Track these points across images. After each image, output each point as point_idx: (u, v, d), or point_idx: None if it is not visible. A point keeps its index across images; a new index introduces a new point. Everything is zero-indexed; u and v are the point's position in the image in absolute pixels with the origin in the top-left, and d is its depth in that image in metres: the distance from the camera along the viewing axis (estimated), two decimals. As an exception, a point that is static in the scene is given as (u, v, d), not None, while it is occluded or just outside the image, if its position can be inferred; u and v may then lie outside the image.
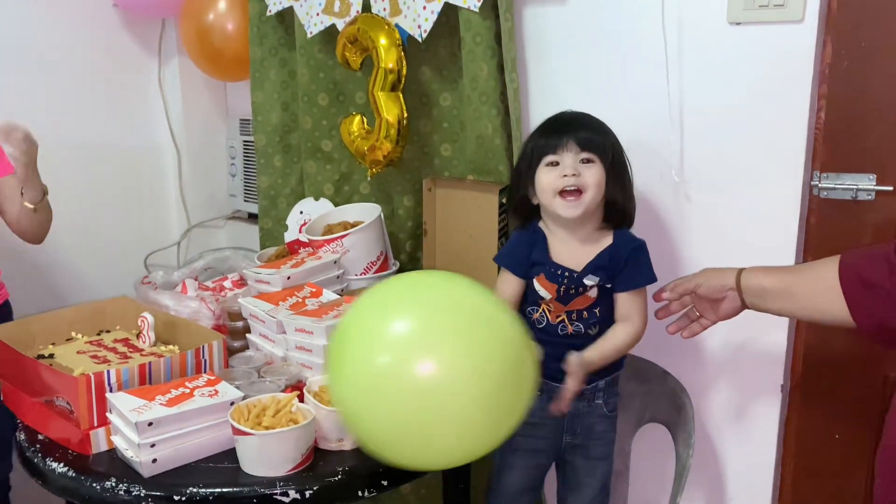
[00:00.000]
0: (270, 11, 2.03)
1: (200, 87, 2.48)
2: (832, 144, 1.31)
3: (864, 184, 1.28)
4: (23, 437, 1.34)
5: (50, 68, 2.21)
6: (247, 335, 1.58)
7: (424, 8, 1.67)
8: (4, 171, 1.74)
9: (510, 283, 1.40)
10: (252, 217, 2.50)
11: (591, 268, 1.34)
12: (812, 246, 1.37)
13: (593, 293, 1.34)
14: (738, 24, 1.34)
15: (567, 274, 1.34)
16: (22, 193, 1.68)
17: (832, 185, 1.32)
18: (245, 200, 2.51)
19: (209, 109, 2.53)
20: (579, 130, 1.31)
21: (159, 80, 2.46)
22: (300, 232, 2.04)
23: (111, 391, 1.28)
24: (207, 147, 2.55)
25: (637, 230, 1.42)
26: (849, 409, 1.31)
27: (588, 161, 1.30)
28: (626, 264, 1.33)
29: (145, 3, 2.25)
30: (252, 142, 2.28)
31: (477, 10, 1.58)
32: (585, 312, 1.35)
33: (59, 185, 1.93)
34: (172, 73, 2.45)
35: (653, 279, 1.34)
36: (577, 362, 1.27)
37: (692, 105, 1.43)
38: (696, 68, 1.42)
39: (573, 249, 1.36)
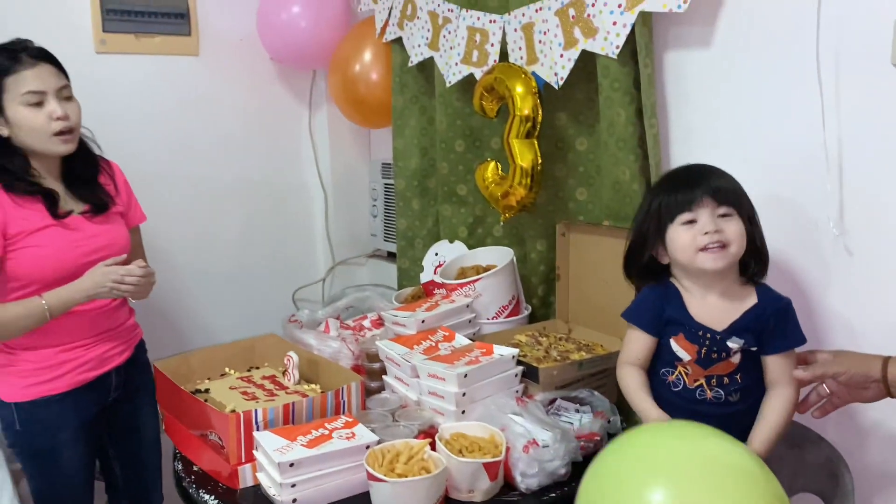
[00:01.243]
0: (412, 62, 2.11)
1: (346, 132, 2.62)
2: None
3: None
4: (180, 467, 1.45)
5: (217, 116, 2.43)
6: (383, 376, 1.63)
7: (561, 56, 1.68)
8: (137, 220, 1.85)
9: (641, 342, 1.34)
10: (391, 255, 2.59)
11: (735, 329, 1.26)
12: None
13: (736, 358, 1.26)
14: (905, 65, 1.24)
15: (709, 335, 1.27)
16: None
17: None
18: (385, 240, 2.60)
19: (354, 153, 2.67)
20: (712, 183, 1.25)
21: (309, 126, 2.63)
22: (435, 273, 2.08)
23: (258, 429, 1.36)
24: (351, 189, 2.68)
25: (789, 286, 1.33)
26: None
27: (726, 215, 1.24)
28: (776, 325, 1.25)
29: (298, 57, 2.41)
30: (392, 184, 2.37)
31: (615, 56, 1.56)
32: (727, 378, 1.27)
33: (221, 218, 2.10)
34: (321, 119, 2.61)
35: (803, 340, 1.25)
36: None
37: (851, 152, 1.33)
38: (856, 112, 1.31)
39: (713, 307, 1.28)
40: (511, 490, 1.33)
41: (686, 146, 1.60)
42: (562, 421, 1.46)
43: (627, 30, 1.53)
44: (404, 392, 1.55)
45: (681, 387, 1.31)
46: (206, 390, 1.61)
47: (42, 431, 1.66)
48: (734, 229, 1.23)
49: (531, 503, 1.30)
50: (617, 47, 1.55)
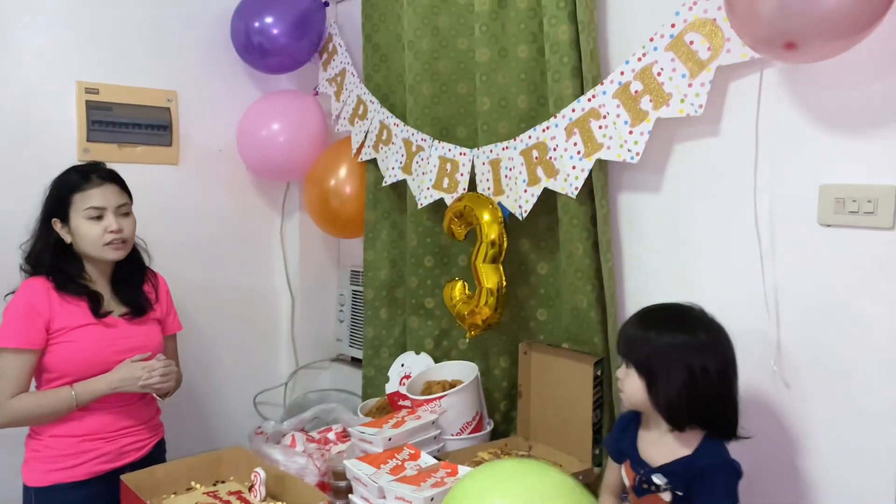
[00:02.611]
0: (386, 182, 2.24)
1: (317, 240, 2.72)
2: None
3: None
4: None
5: (193, 221, 2.51)
6: (349, 495, 1.66)
7: (525, 191, 1.82)
8: (174, 329, 2.03)
9: (610, 468, 1.46)
10: (355, 361, 2.64)
11: (664, 469, 1.32)
12: (917, 449, 1.34)
13: (667, 496, 1.32)
14: (829, 225, 1.40)
15: (643, 468, 1.35)
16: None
17: (934, 390, 1.31)
18: (350, 345, 2.66)
19: (323, 260, 2.76)
20: (625, 332, 1.37)
21: (281, 232, 2.72)
22: (401, 384, 2.14)
23: (226, 552, 1.38)
24: (319, 294, 2.76)
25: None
26: None
27: (628, 366, 1.35)
28: (700, 482, 1.28)
29: (275, 170, 2.53)
30: (360, 291, 2.45)
31: (574, 196, 1.71)
32: None
33: (190, 319, 2.14)
34: (293, 227, 2.71)
35: None
36: None
37: (787, 298, 1.47)
38: (789, 266, 1.46)
39: (655, 443, 1.36)
40: None
41: (639, 280, 1.73)
42: (522, 544, 1.50)
43: (585, 174, 1.68)
44: (370, 512, 1.58)
45: None
46: (173, 507, 1.62)
47: None
48: (628, 384, 1.34)
49: None
50: (576, 189, 1.70)
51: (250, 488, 1.69)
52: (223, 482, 1.76)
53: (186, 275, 2.52)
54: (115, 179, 1.84)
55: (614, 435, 1.46)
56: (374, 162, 2.31)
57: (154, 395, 1.88)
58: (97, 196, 1.78)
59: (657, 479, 1.33)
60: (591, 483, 1.72)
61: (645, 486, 1.35)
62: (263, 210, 2.70)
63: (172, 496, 1.68)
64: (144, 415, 1.90)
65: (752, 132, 1.48)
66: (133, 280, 1.92)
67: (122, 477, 1.65)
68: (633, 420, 1.43)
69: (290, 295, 2.73)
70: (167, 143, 2.44)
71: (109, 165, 1.89)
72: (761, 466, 1.51)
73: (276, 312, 2.76)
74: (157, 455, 1.93)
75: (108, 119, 2.32)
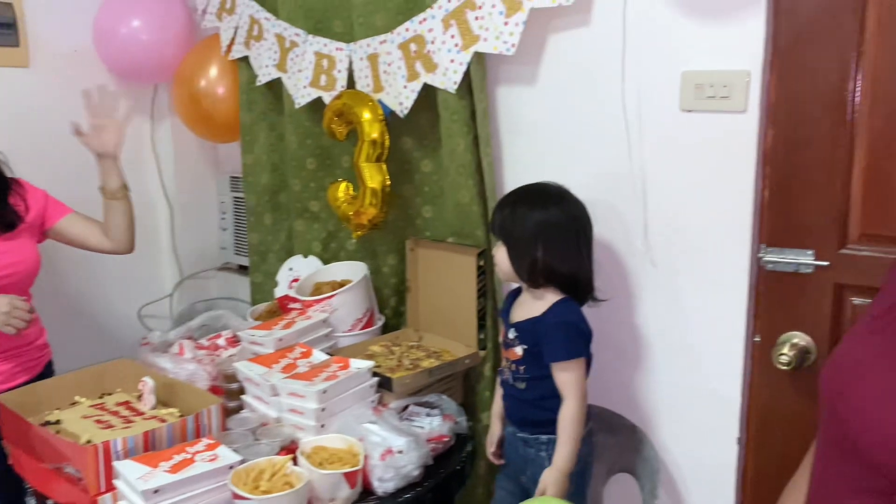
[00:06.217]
0: (260, 81, 2.15)
1: (192, 146, 2.59)
2: (775, 222, 1.44)
3: (803, 258, 1.42)
4: (33, 502, 1.43)
5: (50, 129, 2.32)
6: (242, 396, 1.68)
7: (405, 87, 1.80)
8: (63, 213, 1.94)
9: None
10: (242, 269, 2.60)
11: (518, 325, 1.50)
12: (761, 313, 1.50)
13: (519, 350, 1.49)
14: (690, 111, 1.48)
15: (506, 326, 1.55)
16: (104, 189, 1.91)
17: (776, 259, 1.45)
18: (236, 253, 2.61)
19: (201, 167, 2.65)
20: (495, 215, 1.53)
21: (152, 140, 2.57)
22: (290, 288, 2.14)
23: (118, 458, 1.38)
24: (199, 202, 2.66)
25: (608, 293, 1.54)
26: (798, 462, 1.43)
27: (498, 241, 1.53)
28: (545, 338, 1.45)
29: (139, 71, 2.36)
30: (242, 198, 2.39)
31: (454, 91, 1.71)
32: (513, 365, 1.51)
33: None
34: (165, 133, 2.57)
35: (557, 358, 1.43)
36: (549, 480, 1.42)
37: (653, 181, 1.57)
38: (654, 149, 1.55)
39: (521, 305, 1.54)
40: (369, 495, 1.44)
41: (518, 171, 1.79)
42: (414, 426, 1.59)
43: (464, 67, 1.68)
44: (264, 410, 1.61)
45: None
46: (58, 421, 1.58)
47: None
48: (499, 255, 1.52)
49: (388, 505, 1.43)
50: (455, 83, 1.70)
51: (139, 397, 1.67)
52: (110, 394, 1.73)
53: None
54: None
55: (504, 305, 1.62)
56: (246, 60, 2.20)
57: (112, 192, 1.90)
58: None
59: (510, 334, 1.51)
60: (478, 364, 1.83)
61: (506, 340, 1.53)
62: (130, 115, 2.53)
63: (56, 411, 1.64)
64: (28, 336, 1.82)
65: (619, 22, 1.52)
66: None
67: (0, 397, 1.58)
68: (516, 291, 1.59)
69: (167, 205, 2.62)
70: (14, 44, 2.22)
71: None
72: (632, 332, 1.66)
73: (153, 224, 2.64)
74: (46, 377, 1.86)
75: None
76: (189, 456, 1.38)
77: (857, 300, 1.40)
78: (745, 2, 1.39)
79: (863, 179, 1.35)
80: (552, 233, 1.46)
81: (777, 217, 1.44)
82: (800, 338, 1.45)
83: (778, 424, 1.50)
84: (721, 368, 1.53)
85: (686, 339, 1.58)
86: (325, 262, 2.19)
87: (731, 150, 1.45)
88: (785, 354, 1.43)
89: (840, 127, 1.36)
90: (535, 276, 1.48)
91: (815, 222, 1.40)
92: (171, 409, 1.63)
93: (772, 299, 1.47)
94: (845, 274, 1.39)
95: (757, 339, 1.51)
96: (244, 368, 1.65)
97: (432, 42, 1.72)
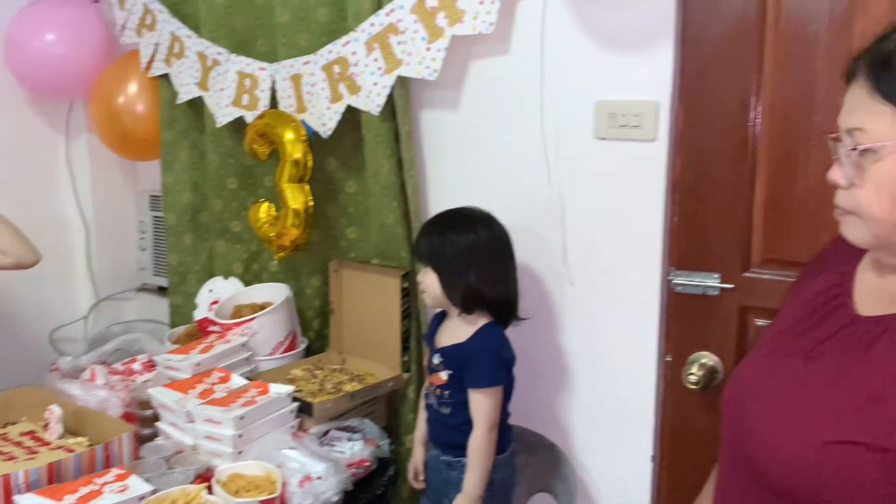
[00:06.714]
0: (181, 99, 2.11)
1: (110, 163, 2.51)
2: (684, 246, 1.51)
3: (710, 281, 1.48)
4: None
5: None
6: (156, 423, 1.63)
7: (329, 108, 1.80)
8: None
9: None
10: (162, 290, 2.53)
11: (443, 350, 1.51)
12: (672, 334, 1.55)
13: (444, 376, 1.50)
14: (604, 139, 1.53)
15: (431, 351, 1.55)
16: None
17: (685, 282, 1.51)
18: (155, 274, 2.54)
19: (119, 185, 2.57)
20: (421, 240, 1.54)
21: (66, 156, 2.48)
22: (210, 310, 2.09)
23: (19, 492, 1.31)
24: (117, 221, 2.58)
25: (529, 313, 1.56)
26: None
27: (426, 266, 1.52)
28: (468, 364, 1.46)
29: (53, 87, 2.28)
30: (162, 217, 2.33)
31: (377, 114, 1.72)
32: (438, 390, 1.52)
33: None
34: (81, 150, 2.48)
35: (478, 385, 1.44)
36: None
37: (571, 205, 1.61)
38: (571, 174, 1.59)
39: (446, 330, 1.55)
40: (288, 522, 1.41)
41: (442, 194, 1.81)
42: (335, 451, 1.57)
43: (387, 91, 1.69)
44: (179, 437, 1.57)
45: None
46: (-46, 454, 1.49)
47: None
48: (427, 280, 1.52)
49: (307, 533, 1.40)
50: (378, 106, 1.71)
51: (45, 426, 1.59)
52: (14, 424, 1.65)
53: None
54: None
55: (429, 330, 1.62)
56: (166, 77, 2.15)
57: None
58: None
59: (435, 360, 1.52)
60: (401, 387, 1.82)
61: (431, 365, 1.53)
62: (44, 131, 2.43)
63: (-47, 444, 1.55)
64: None
65: (538, 51, 1.56)
66: None
67: None
68: (441, 315, 1.60)
69: (83, 224, 2.53)
70: (-86, 54, 2.11)
71: None
72: (552, 351, 1.69)
73: (68, 243, 2.53)
74: None
75: None
76: (97, 487, 1.33)
77: (760, 321, 1.47)
78: (654, 35, 1.46)
79: (763, 206, 1.43)
80: (484, 257, 1.48)
81: (686, 241, 1.51)
82: (708, 357, 1.51)
83: (689, 442, 1.55)
84: (635, 387, 1.58)
85: (603, 359, 1.63)
86: (247, 283, 2.15)
87: (643, 177, 1.50)
88: (694, 374, 1.48)
89: (742, 155, 1.43)
90: (467, 302, 1.49)
91: (721, 247, 1.47)
92: (79, 439, 1.56)
93: (682, 320, 1.53)
94: (749, 296, 1.46)
95: (668, 358, 1.56)
96: (159, 394, 1.60)
97: (356, 65, 1.73)
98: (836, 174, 0.89)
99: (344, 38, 1.74)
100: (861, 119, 0.85)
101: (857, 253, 0.97)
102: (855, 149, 0.85)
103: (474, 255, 1.48)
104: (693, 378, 1.48)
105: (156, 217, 2.49)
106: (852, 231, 0.91)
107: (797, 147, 1.37)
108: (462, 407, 1.49)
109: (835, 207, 0.92)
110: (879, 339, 0.89)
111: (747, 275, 1.46)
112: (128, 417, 1.67)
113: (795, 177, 1.38)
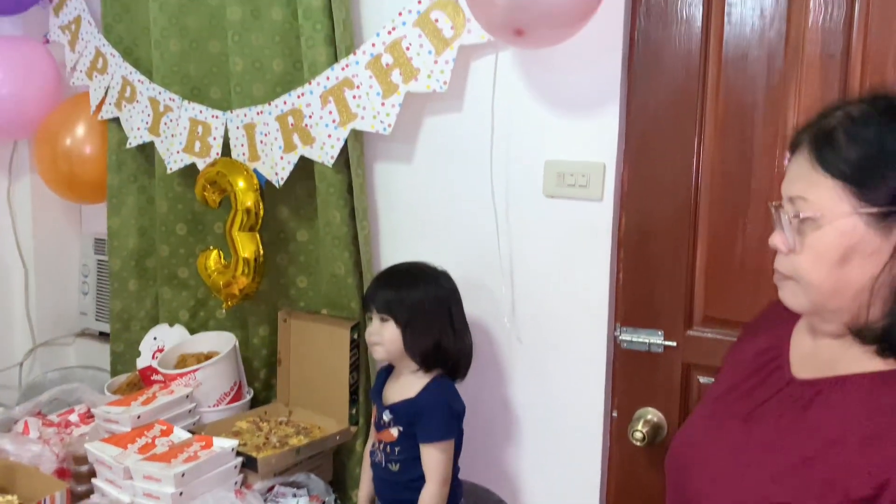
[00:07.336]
0: (131, 144, 2.08)
1: (54, 205, 2.45)
2: (629, 303, 1.54)
3: (654, 338, 1.52)
4: None
5: None
6: (93, 480, 1.57)
7: (282, 157, 1.80)
8: None
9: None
10: (104, 335, 2.46)
11: (393, 407, 1.48)
12: (618, 390, 1.58)
13: (395, 432, 1.48)
14: (553, 197, 1.57)
15: (380, 407, 1.52)
16: None
17: (630, 339, 1.54)
18: (97, 319, 2.47)
19: (62, 227, 2.51)
20: (380, 292, 1.50)
21: (8, 197, 2.41)
22: (153, 358, 2.04)
23: (-61, 558, 1.24)
24: (58, 264, 2.51)
25: (476, 366, 1.57)
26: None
27: (385, 320, 1.48)
28: (420, 419, 1.45)
29: (-3, 126, 2.23)
30: (107, 261, 2.28)
31: (331, 165, 1.72)
32: (388, 447, 1.50)
33: None
34: (23, 190, 2.42)
35: (430, 439, 1.44)
36: None
37: (519, 261, 1.63)
38: (520, 231, 1.62)
39: (395, 385, 1.53)
40: (228, 585, 1.37)
41: (394, 246, 1.81)
42: (279, 508, 1.54)
43: (341, 143, 1.71)
44: (116, 495, 1.51)
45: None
46: None
47: None
48: (388, 333, 1.48)
49: None
50: (332, 157, 1.72)
51: (-28, 484, 1.52)
52: (-63, 481, 1.57)
53: None
54: None
55: (375, 386, 1.60)
56: (117, 121, 2.13)
57: None
58: None
59: (385, 416, 1.49)
60: (349, 440, 1.80)
61: (382, 421, 1.50)
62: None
63: None
64: None
65: (489, 110, 1.60)
66: None
67: None
68: (388, 370, 1.58)
69: (22, 265, 2.45)
70: None
71: None
72: (501, 406, 1.69)
73: (7, 285, 2.45)
74: None
75: None
76: (25, 551, 1.27)
77: (703, 378, 1.50)
78: (602, 98, 1.51)
79: (705, 266, 1.47)
80: (449, 312, 1.49)
81: (631, 298, 1.54)
82: (653, 414, 1.54)
83: (635, 498, 1.57)
84: (583, 443, 1.59)
85: (551, 414, 1.64)
86: (193, 331, 2.11)
87: (590, 235, 1.54)
88: (639, 431, 1.50)
89: (684, 216, 1.48)
90: (428, 358, 1.47)
91: (665, 305, 1.50)
92: (8, 497, 1.50)
93: (628, 376, 1.55)
94: (692, 354, 1.50)
95: (614, 414, 1.58)
96: (95, 450, 1.54)
97: (310, 116, 1.74)
98: (777, 240, 0.93)
99: (299, 90, 1.75)
100: (803, 188, 0.90)
101: (793, 316, 1.01)
102: (797, 216, 0.89)
103: (441, 309, 1.48)
104: (638, 435, 1.50)
105: (100, 261, 2.44)
106: (790, 296, 0.95)
107: (737, 210, 1.42)
108: (412, 463, 1.47)
109: (774, 272, 0.96)
110: (813, 402, 0.92)
111: (690, 333, 1.50)
112: (62, 473, 1.61)
113: (735, 239, 1.43)
